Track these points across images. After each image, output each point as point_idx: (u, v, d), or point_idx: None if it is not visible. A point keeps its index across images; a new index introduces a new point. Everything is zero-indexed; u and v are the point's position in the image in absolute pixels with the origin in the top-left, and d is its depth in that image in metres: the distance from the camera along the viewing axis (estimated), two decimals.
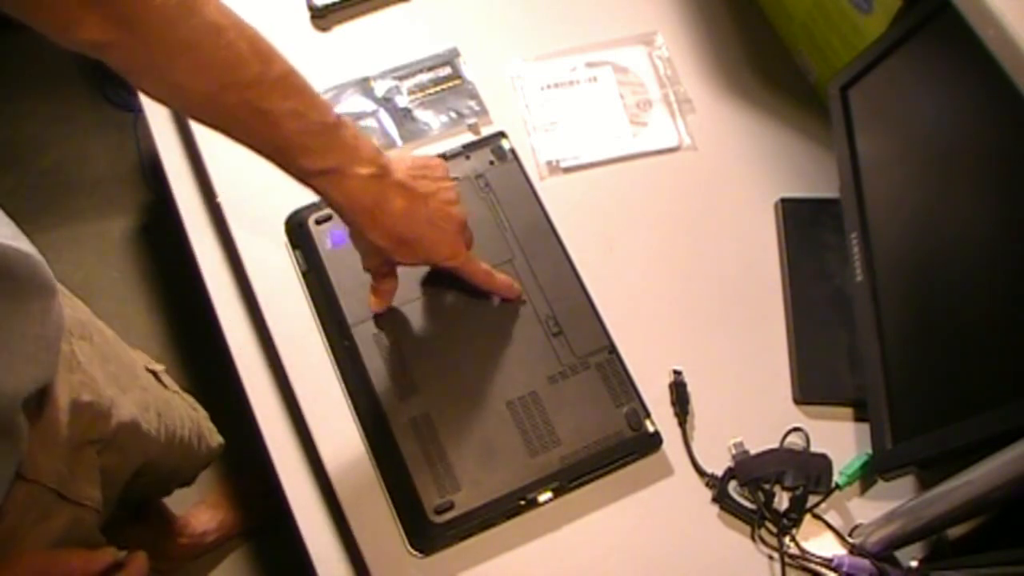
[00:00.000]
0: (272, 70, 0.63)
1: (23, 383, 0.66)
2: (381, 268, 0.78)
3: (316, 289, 0.85)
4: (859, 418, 0.83)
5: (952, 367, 0.70)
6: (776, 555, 0.77)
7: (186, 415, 1.07)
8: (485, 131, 0.95)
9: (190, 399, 1.14)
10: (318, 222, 0.87)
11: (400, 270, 0.83)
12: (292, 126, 0.64)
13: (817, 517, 0.79)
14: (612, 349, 0.83)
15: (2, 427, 0.65)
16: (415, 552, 0.76)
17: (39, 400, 0.71)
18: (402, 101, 0.96)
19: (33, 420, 0.70)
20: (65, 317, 0.75)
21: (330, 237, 0.86)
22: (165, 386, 1.03)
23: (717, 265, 0.90)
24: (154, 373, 1.01)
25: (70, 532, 0.76)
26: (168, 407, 1.00)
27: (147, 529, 1.33)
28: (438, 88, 0.98)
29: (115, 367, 0.87)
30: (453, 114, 0.96)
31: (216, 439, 1.19)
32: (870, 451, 0.78)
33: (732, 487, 0.80)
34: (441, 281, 0.84)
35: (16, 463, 0.67)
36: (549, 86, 0.98)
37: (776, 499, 0.79)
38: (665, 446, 0.81)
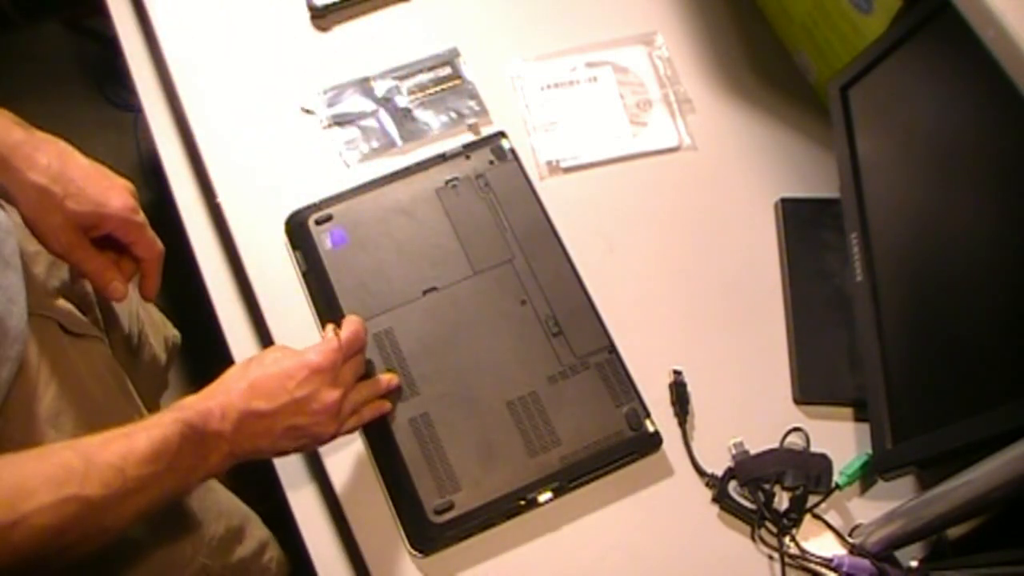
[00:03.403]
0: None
1: None
2: None
3: (316, 289, 0.85)
4: (859, 418, 0.83)
5: (952, 367, 0.70)
6: (776, 555, 0.77)
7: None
8: (485, 131, 0.95)
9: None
10: (318, 222, 0.87)
11: (401, 268, 0.84)
12: None
13: (817, 517, 0.79)
14: (612, 349, 0.83)
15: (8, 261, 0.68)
16: (415, 552, 0.76)
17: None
18: (402, 101, 0.96)
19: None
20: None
21: (330, 237, 0.86)
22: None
23: (717, 265, 0.90)
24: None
25: (91, 365, 0.79)
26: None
27: None
28: (438, 88, 0.97)
29: None
30: (453, 114, 0.96)
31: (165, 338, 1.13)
32: (870, 451, 0.78)
33: (732, 487, 0.80)
34: (441, 282, 0.84)
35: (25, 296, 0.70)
36: (549, 86, 0.98)
37: (776, 499, 0.79)
38: (665, 446, 0.81)
